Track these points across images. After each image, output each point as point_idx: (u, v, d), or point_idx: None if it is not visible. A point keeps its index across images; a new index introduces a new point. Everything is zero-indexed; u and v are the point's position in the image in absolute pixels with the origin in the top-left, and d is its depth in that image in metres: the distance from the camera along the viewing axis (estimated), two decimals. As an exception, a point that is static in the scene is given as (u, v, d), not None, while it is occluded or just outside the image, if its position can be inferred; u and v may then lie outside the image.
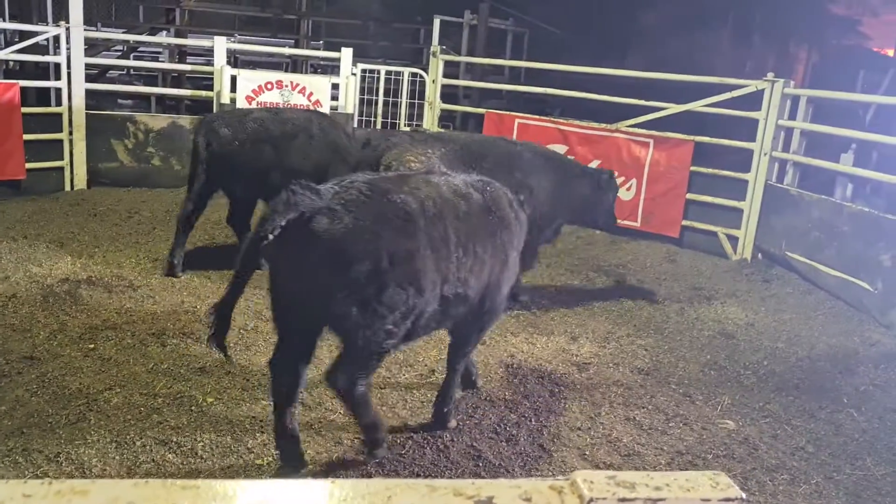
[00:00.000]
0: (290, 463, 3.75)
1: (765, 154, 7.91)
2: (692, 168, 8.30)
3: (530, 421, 4.48)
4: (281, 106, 8.74)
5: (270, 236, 3.24)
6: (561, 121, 9.14)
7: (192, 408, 4.26)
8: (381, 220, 3.43)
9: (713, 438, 4.45)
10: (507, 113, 9.67)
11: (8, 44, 12.47)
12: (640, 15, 16.66)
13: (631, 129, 8.58)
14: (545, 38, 15.44)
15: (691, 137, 8.20)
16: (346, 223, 3.33)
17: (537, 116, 9.47)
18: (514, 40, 14.47)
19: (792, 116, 7.87)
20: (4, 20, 13.88)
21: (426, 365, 5.09)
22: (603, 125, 8.77)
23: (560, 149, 8.90)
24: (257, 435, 4.05)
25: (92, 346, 4.93)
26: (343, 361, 3.53)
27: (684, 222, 8.44)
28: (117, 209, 8.19)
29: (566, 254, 8.12)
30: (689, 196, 8.38)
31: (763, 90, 7.87)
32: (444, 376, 4.34)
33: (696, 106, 8.34)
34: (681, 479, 0.89)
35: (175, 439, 3.93)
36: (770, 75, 7.90)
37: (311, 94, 9.09)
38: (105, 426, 4.00)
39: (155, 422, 4.08)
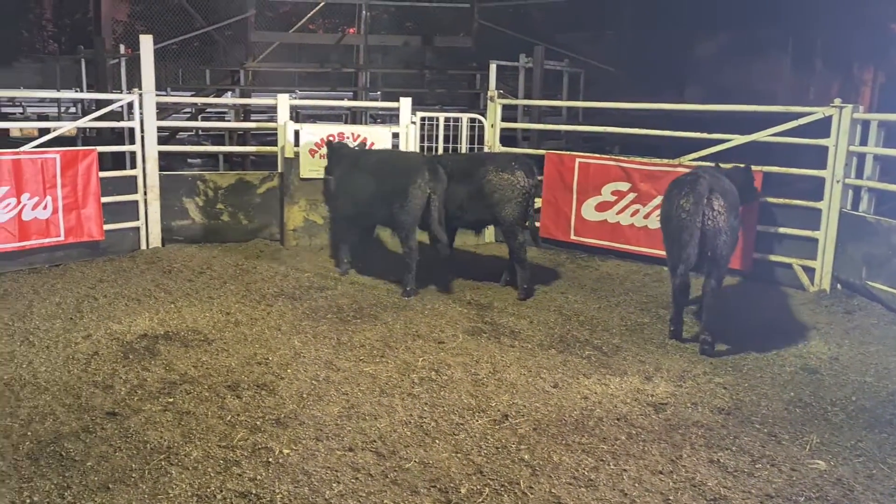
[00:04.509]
0: (676, 337, 6.47)
1: (837, 181, 7.68)
2: (762, 199, 8.10)
3: (609, 465, 4.36)
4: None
5: (685, 203, 6.04)
6: (622, 158, 9.08)
7: (270, 459, 4.30)
8: (733, 188, 6.45)
9: (804, 480, 4.25)
10: (568, 153, 9.67)
11: (86, 112, 13.14)
12: (696, 47, 16.56)
13: (695, 164, 8.45)
14: (601, 76, 15.47)
15: (759, 168, 8.01)
16: (726, 189, 6.29)
17: (598, 155, 9.43)
18: (570, 81, 14.52)
19: (863, 142, 7.64)
20: (82, 90, 14.68)
21: (499, 410, 5.02)
22: (665, 160, 8.67)
23: (623, 186, 8.85)
24: (333, 485, 4.05)
25: (171, 399, 5.03)
26: (713, 274, 6.22)
27: (756, 255, 8.22)
28: (190, 265, 8.43)
29: (635, 291, 7.98)
30: (759, 228, 8.17)
31: (831, 116, 7.67)
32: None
33: (762, 136, 8.17)
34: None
35: (254, 491, 3.96)
36: (837, 101, 7.71)
37: (372, 143, 9.26)
38: (186, 480, 4.06)
39: (234, 474, 4.13)
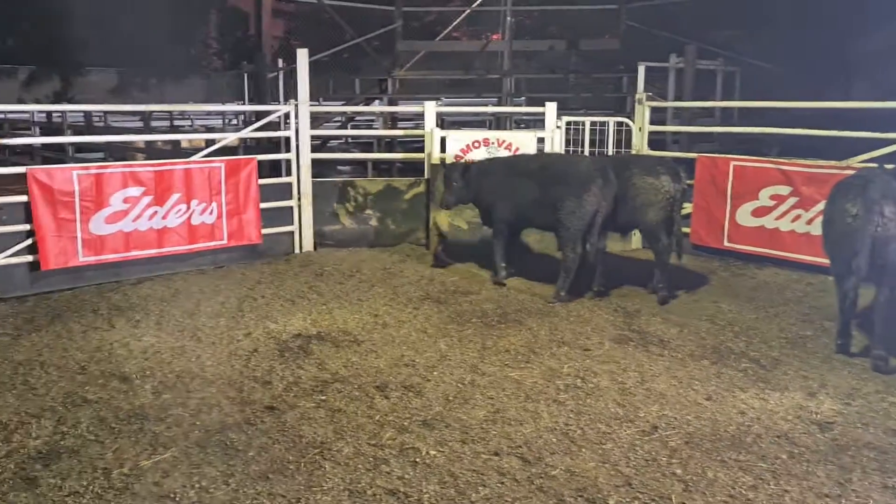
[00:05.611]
0: (843, 351, 6.04)
1: None
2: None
3: (768, 484, 4.11)
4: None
5: (852, 207, 5.70)
6: (782, 161, 8.56)
7: (417, 459, 4.37)
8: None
9: None
10: (721, 156, 9.24)
11: (247, 123, 13.97)
12: (864, 39, 15.38)
13: (864, 166, 7.82)
14: (758, 74, 14.69)
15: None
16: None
17: (754, 158, 8.95)
18: (724, 80, 13.90)
19: None
20: (245, 103, 15.65)
21: (648, 421, 4.86)
22: (831, 162, 8.09)
23: (783, 190, 8.35)
24: (479, 489, 4.06)
25: (323, 397, 5.24)
26: (886, 284, 5.68)
27: (936, 264, 7.49)
28: (340, 269, 8.75)
29: (795, 301, 7.50)
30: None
31: None
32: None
33: (945, 134, 7.46)
34: None
35: (402, 490, 4.04)
36: None
37: (517, 149, 9.25)
38: (338, 474, 4.20)
39: (383, 472, 4.23)
